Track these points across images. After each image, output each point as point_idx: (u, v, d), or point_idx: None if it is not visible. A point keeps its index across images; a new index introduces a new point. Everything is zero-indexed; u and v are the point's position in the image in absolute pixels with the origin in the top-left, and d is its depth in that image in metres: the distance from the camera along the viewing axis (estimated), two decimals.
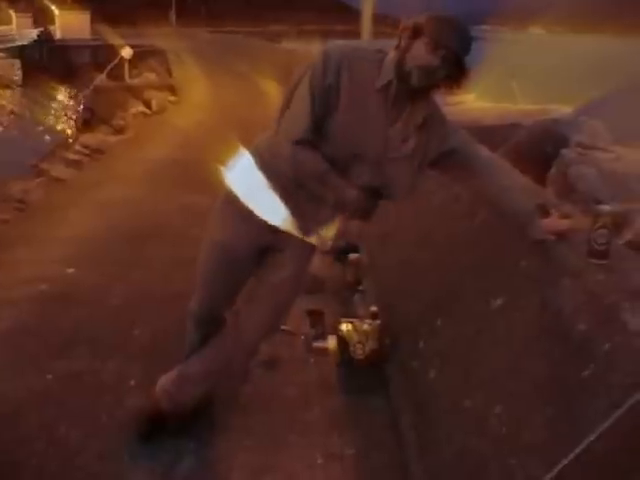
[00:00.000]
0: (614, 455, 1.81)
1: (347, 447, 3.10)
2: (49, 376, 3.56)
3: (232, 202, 2.82)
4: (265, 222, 2.74)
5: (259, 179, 2.73)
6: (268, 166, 2.73)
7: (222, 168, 2.91)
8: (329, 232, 2.75)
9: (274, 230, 2.75)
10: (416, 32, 2.48)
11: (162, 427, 3.04)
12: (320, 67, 2.57)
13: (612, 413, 1.79)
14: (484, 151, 2.82)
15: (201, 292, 3.10)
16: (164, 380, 3.10)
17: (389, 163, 2.62)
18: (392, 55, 2.55)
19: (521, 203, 2.70)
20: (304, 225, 2.73)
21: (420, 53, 2.45)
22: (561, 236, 2.59)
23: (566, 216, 2.73)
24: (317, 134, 2.57)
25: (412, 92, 2.55)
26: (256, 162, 2.77)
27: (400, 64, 2.49)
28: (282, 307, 2.97)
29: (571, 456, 1.87)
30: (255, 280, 2.93)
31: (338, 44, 2.67)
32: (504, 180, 2.78)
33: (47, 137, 13.57)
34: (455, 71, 2.50)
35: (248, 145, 2.91)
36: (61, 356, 3.75)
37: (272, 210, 2.72)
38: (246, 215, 2.76)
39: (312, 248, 2.83)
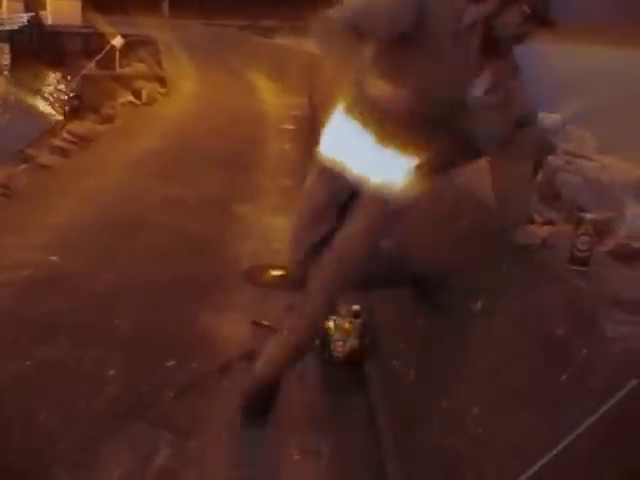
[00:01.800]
0: (589, 458, 1.84)
1: (324, 444, 3.11)
2: (29, 362, 3.56)
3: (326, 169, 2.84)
4: (343, 176, 2.76)
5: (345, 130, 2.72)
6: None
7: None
8: (398, 183, 2.70)
9: (350, 185, 2.77)
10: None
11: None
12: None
13: (589, 417, 1.81)
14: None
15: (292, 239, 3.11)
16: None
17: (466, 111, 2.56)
18: (478, 7, 2.47)
19: (516, 205, 2.72)
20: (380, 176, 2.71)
21: (515, 21, 2.44)
22: (543, 242, 2.62)
23: (549, 223, 2.76)
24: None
25: (492, 48, 2.52)
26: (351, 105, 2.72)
27: (489, 26, 2.47)
28: (347, 263, 2.88)
29: (546, 458, 1.90)
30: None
31: None
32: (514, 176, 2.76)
33: (34, 123, 13.49)
34: (541, 26, 2.50)
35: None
36: (42, 343, 3.74)
37: (353, 163, 2.73)
38: (327, 168, 2.80)
39: (384, 204, 2.75)
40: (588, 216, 2.47)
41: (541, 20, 2.47)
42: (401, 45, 2.51)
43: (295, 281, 3.08)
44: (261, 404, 3.19)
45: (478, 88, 2.53)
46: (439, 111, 2.54)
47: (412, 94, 2.54)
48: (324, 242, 2.92)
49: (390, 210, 2.75)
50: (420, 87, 2.54)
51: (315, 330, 3.21)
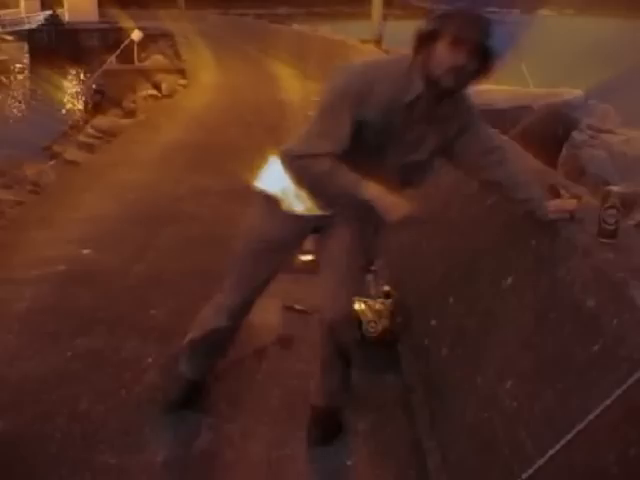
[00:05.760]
0: (621, 425, 1.87)
1: (361, 422, 3.17)
2: (69, 354, 3.65)
3: (271, 200, 2.83)
4: (309, 213, 2.79)
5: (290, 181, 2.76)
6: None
7: (255, 174, 2.91)
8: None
9: (319, 216, 2.81)
10: (432, 36, 2.42)
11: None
12: (340, 94, 2.56)
13: (620, 386, 1.85)
14: (497, 139, 2.85)
15: (236, 286, 3.05)
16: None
17: (414, 162, 2.68)
18: (414, 66, 2.50)
19: (528, 192, 2.72)
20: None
21: (444, 55, 2.39)
22: (572, 216, 2.64)
23: (576, 197, 2.78)
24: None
25: (443, 93, 2.51)
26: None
27: (427, 74, 2.45)
28: (349, 273, 2.89)
29: (579, 427, 1.94)
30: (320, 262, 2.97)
31: (356, 67, 2.71)
32: (512, 168, 2.78)
33: (58, 120, 13.65)
34: (483, 62, 2.44)
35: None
36: (81, 334, 3.83)
37: (312, 202, 2.77)
38: (285, 211, 2.80)
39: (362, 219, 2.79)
40: (615, 189, 2.49)
41: (476, 48, 2.40)
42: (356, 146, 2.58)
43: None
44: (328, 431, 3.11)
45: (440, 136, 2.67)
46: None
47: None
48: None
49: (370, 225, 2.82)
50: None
51: None
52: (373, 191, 2.56)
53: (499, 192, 2.90)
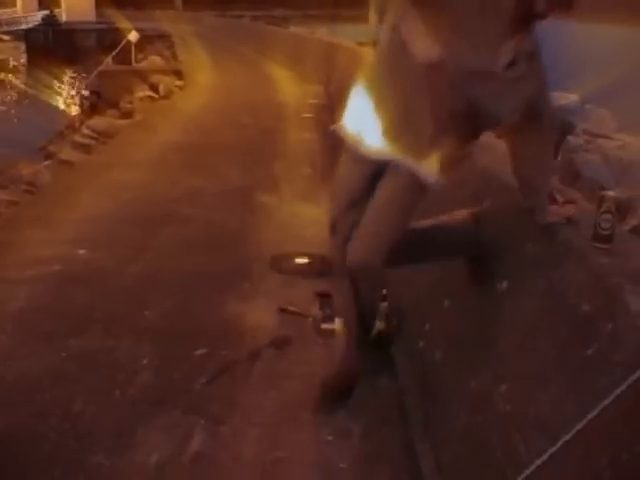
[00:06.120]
0: (615, 431, 1.88)
1: (355, 424, 3.17)
2: (63, 354, 3.65)
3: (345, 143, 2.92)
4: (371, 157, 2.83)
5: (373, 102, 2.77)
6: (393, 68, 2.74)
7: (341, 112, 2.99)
8: (433, 165, 2.71)
9: (380, 162, 2.82)
10: None
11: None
12: None
13: (614, 390, 1.86)
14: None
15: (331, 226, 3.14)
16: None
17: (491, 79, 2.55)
18: None
19: (537, 193, 2.73)
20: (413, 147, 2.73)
21: None
22: (568, 220, 2.65)
23: (571, 201, 2.79)
24: None
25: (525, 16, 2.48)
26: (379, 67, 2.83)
27: None
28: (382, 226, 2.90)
29: (573, 432, 1.94)
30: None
31: None
32: (543, 150, 2.80)
33: (54, 120, 13.64)
34: None
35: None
36: (76, 334, 3.83)
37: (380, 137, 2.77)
38: (355, 152, 2.87)
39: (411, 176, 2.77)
40: (610, 194, 2.50)
41: None
42: None
43: (338, 267, 3.13)
44: (342, 389, 3.26)
45: (503, 58, 2.51)
46: (463, 74, 2.53)
47: (441, 47, 2.53)
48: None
49: (417, 183, 2.77)
50: (449, 42, 2.52)
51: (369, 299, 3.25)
52: (409, 26, 2.57)
53: (516, 173, 2.86)
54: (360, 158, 2.87)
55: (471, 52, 2.52)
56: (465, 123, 2.66)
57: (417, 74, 2.58)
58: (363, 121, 2.82)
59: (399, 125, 2.72)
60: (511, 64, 2.51)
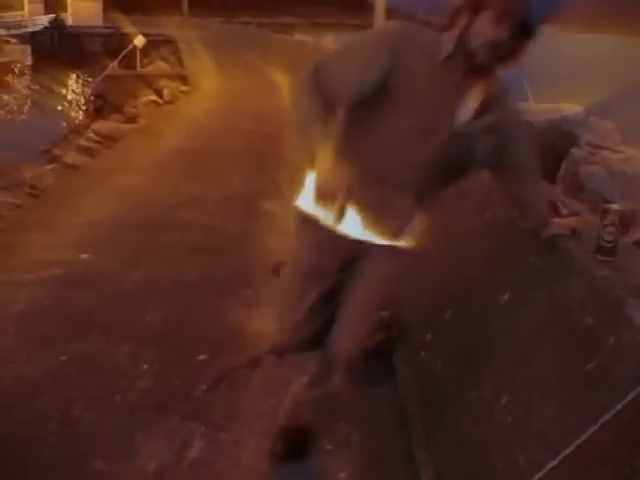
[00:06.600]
0: (617, 445, 1.87)
1: (354, 434, 3.17)
2: (63, 358, 3.64)
3: (308, 222, 2.70)
4: (345, 237, 2.63)
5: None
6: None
7: (294, 196, 2.79)
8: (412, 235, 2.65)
9: (355, 242, 2.64)
10: (477, 7, 2.34)
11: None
12: (379, 38, 2.49)
13: (616, 404, 1.85)
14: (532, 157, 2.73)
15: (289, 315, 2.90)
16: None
17: (458, 138, 2.49)
18: (450, 33, 2.42)
19: (538, 211, 2.68)
20: (384, 228, 2.61)
21: (485, 28, 2.31)
22: (573, 232, 2.63)
23: (575, 214, 2.78)
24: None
25: (475, 68, 2.41)
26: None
27: (462, 42, 2.37)
28: (368, 308, 2.78)
29: (574, 445, 1.94)
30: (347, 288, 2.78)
31: (394, 23, 2.54)
32: (532, 187, 2.70)
33: (58, 123, 13.64)
34: (521, 43, 2.36)
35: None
36: (75, 339, 3.82)
37: (349, 222, 2.57)
38: (325, 232, 2.64)
39: (397, 249, 2.66)
40: (614, 207, 2.49)
41: (518, 25, 2.32)
42: (372, 104, 2.47)
43: (286, 348, 2.99)
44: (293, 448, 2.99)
45: (465, 116, 2.48)
46: (425, 155, 2.50)
47: (385, 155, 2.50)
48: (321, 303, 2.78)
49: (402, 258, 2.68)
50: (398, 142, 2.50)
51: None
52: (319, 158, 2.38)
53: (510, 203, 2.82)
54: (333, 242, 2.65)
55: (429, 130, 2.49)
56: (435, 187, 2.64)
57: None
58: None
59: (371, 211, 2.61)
60: (476, 116, 2.49)
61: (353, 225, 2.57)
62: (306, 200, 2.67)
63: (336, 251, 2.68)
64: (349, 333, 2.73)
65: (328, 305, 2.76)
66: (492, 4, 2.32)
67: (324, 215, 2.58)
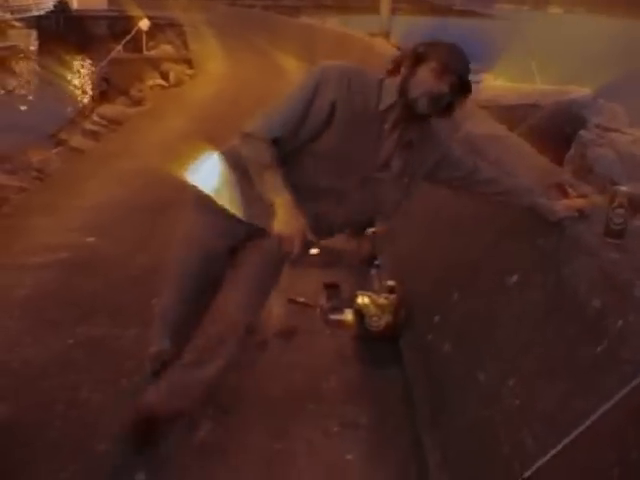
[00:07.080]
0: (624, 427, 1.86)
1: (362, 416, 3.17)
2: (70, 341, 3.65)
3: (203, 200, 2.72)
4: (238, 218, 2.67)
5: (228, 177, 2.69)
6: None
7: (187, 170, 2.83)
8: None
9: (247, 224, 2.69)
10: (419, 58, 2.45)
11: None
12: (314, 83, 2.53)
13: (624, 387, 1.84)
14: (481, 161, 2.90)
15: (173, 294, 3.04)
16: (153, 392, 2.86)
17: (377, 182, 2.63)
18: (391, 80, 2.53)
19: (531, 198, 2.76)
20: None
21: (427, 80, 2.43)
22: (580, 214, 2.63)
23: (583, 195, 2.77)
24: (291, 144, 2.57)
25: (412, 116, 2.53)
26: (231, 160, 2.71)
27: (404, 91, 2.46)
28: (257, 293, 2.82)
29: (581, 429, 1.93)
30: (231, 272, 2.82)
31: (336, 63, 2.61)
32: (507, 181, 2.84)
33: (64, 107, 13.61)
34: (459, 97, 2.51)
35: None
36: (83, 322, 3.82)
37: (242, 205, 2.65)
38: (219, 211, 2.68)
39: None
40: (622, 189, 2.48)
41: (458, 79, 2.45)
42: (313, 146, 2.57)
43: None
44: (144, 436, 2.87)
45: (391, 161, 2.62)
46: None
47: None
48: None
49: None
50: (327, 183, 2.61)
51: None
52: (280, 209, 2.46)
53: (504, 201, 2.91)
54: (228, 224, 2.72)
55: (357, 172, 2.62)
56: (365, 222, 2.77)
57: None
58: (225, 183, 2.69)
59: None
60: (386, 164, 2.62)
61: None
62: (202, 179, 2.75)
63: (230, 234, 2.76)
64: (238, 311, 2.76)
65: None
66: (434, 57, 2.43)
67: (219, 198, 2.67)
